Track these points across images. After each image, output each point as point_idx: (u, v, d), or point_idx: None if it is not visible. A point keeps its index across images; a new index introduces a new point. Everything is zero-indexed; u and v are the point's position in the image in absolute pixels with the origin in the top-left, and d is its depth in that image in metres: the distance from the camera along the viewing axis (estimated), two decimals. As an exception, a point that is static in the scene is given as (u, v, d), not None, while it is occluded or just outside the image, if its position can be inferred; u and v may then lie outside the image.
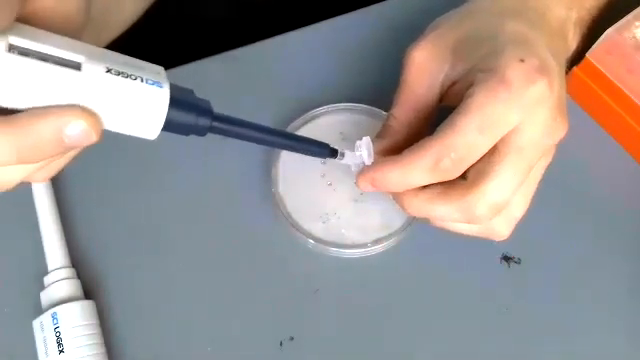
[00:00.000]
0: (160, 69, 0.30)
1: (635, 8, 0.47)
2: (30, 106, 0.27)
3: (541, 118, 0.36)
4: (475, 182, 0.36)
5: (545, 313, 0.44)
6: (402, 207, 0.39)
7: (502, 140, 0.36)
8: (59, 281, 0.41)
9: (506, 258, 0.45)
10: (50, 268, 0.42)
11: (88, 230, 0.45)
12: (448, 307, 0.44)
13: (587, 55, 0.47)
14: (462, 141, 0.35)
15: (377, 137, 0.41)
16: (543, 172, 0.39)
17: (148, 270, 0.44)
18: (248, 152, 0.47)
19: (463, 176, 0.37)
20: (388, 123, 0.41)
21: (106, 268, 0.44)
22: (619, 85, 0.46)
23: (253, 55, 0.52)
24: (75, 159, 0.32)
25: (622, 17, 0.47)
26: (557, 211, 0.47)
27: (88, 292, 0.43)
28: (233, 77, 0.51)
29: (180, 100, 0.30)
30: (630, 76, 0.46)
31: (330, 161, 0.45)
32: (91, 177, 0.47)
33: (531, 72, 0.35)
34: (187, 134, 0.31)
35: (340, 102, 0.48)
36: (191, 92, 0.31)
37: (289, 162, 0.46)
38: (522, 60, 0.35)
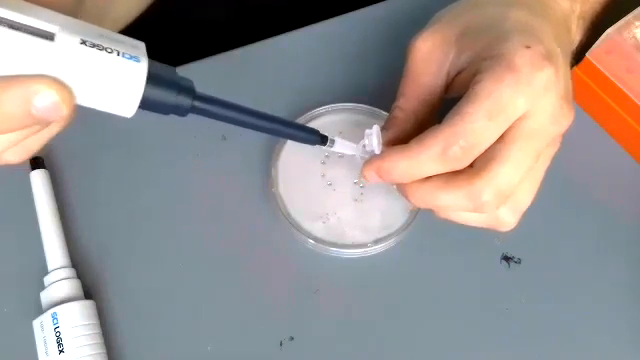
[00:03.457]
0: (140, 44, 0.29)
1: (635, 8, 0.47)
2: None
3: (548, 105, 0.36)
4: (482, 168, 0.36)
5: (545, 313, 0.44)
6: (407, 197, 0.39)
7: (510, 127, 0.35)
8: (59, 281, 0.41)
9: (506, 258, 0.45)
10: (50, 268, 0.42)
11: (88, 230, 0.45)
12: (448, 307, 0.44)
13: (587, 55, 0.47)
14: (471, 128, 0.34)
15: (382, 129, 0.40)
16: (550, 161, 0.39)
17: (148, 270, 0.44)
18: (248, 152, 0.47)
19: (469, 164, 0.36)
20: (394, 114, 0.40)
21: (106, 268, 0.44)
22: (619, 85, 0.46)
23: (253, 55, 0.52)
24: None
25: (622, 17, 0.47)
26: (557, 211, 0.47)
27: (88, 292, 0.43)
28: (233, 77, 0.51)
29: (159, 76, 0.29)
30: (630, 76, 0.46)
31: (330, 161, 0.46)
32: (91, 177, 0.47)
33: (538, 58, 0.35)
34: (167, 113, 0.30)
35: (340, 102, 0.48)
36: (173, 70, 0.30)
37: (289, 162, 0.46)
38: (528, 47, 0.35)
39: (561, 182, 0.47)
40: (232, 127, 0.47)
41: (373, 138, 0.39)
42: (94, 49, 0.27)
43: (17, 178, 0.45)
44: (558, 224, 0.46)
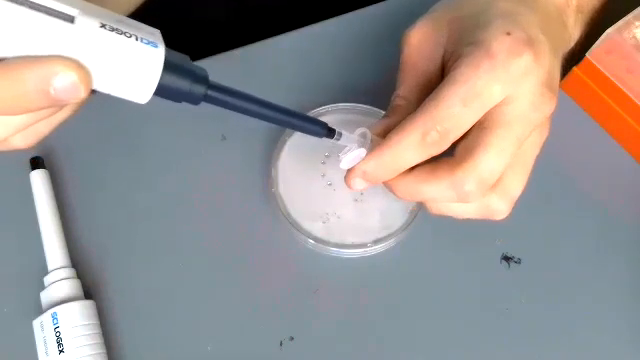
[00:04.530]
0: (155, 31, 0.29)
1: (635, 8, 0.47)
2: (19, 56, 0.26)
3: (527, 91, 0.35)
4: (463, 157, 0.36)
5: (545, 313, 0.44)
6: (393, 192, 0.38)
7: (489, 114, 0.35)
8: (59, 281, 0.41)
9: (506, 258, 0.45)
10: (50, 268, 0.42)
11: (88, 230, 0.45)
12: (448, 307, 0.44)
13: (587, 55, 0.47)
14: (447, 113, 0.35)
15: (384, 117, 0.40)
16: (539, 149, 0.39)
17: (148, 270, 0.44)
18: (248, 152, 0.47)
19: (452, 155, 0.36)
20: (395, 103, 0.40)
21: (106, 268, 0.44)
22: (619, 85, 0.46)
23: (253, 55, 0.52)
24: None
25: (622, 17, 0.47)
26: (557, 211, 0.47)
27: (88, 292, 0.43)
28: (233, 77, 0.50)
29: (175, 63, 0.29)
30: (630, 76, 0.46)
31: (330, 161, 0.46)
32: (91, 177, 0.47)
33: (517, 45, 0.35)
34: (180, 101, 0.30)
35: (340, 102, 0.48)
36: (187, 58, 0.30)
37: (289, 162, 0.46)
38: (508, 33, 0.35)
39: (561, 182, 0.47)
40: (232, 127, 0.48)
41: (347, 156, 0.37)
42: (113, 33, 0.27)
43: (17, 178, 0.45)
44: (558, 224, 0.46)
